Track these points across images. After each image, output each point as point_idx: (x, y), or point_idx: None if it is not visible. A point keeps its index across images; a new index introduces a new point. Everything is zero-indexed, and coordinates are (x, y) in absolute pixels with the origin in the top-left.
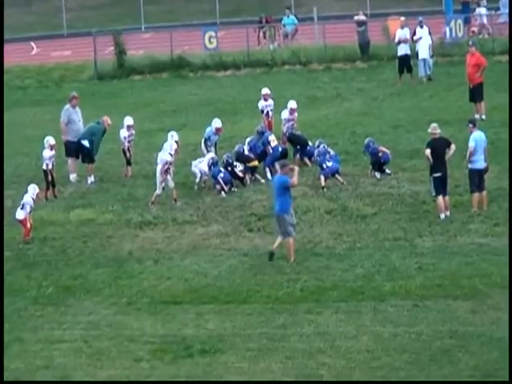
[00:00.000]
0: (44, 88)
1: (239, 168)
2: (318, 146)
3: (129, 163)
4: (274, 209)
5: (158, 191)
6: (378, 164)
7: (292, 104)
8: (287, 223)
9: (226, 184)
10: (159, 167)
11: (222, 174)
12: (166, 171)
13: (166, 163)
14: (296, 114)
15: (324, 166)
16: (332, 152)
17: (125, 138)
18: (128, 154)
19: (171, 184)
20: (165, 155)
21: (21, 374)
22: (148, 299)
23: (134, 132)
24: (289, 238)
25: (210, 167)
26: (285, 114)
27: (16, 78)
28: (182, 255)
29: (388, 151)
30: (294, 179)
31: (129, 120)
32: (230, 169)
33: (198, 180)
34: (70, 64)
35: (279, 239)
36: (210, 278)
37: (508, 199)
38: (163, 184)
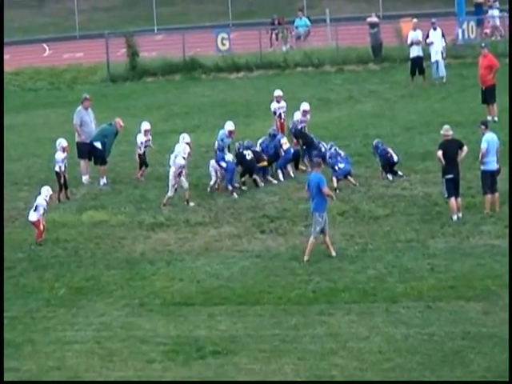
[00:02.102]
0: (56, 90)
1: (250, 156)
2: (330, 149)
3: (146, 165)
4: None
5: (170, 193)
6: (389, 165)
7: (305, 106)
8: (316, 223)
9: (230, 174)
10: (173, 170)
11: (224, 164)
12: (180, 174)
13: (180, 167)
14: (308, 116)
15: (336, 167)
16: (343, 154)
17: (142, 142)
18: (143, 158)
19: (185, 185)
20: (179, 159)
21: (33, 375)
22: (160, 300)
23: (150, 138)
24: (312, 237)
25: (215, 152)
26: (297, 116)
27: (28, 80)
28: (194, 257)
29: (394, 154)
30: (328, 191)
31: (146, 125)
32: (239, 158)
33: (212, 183)
34: (82, 66)
35: (326, 238)
36: (222, 280)
37: None
38: (175, 186)
